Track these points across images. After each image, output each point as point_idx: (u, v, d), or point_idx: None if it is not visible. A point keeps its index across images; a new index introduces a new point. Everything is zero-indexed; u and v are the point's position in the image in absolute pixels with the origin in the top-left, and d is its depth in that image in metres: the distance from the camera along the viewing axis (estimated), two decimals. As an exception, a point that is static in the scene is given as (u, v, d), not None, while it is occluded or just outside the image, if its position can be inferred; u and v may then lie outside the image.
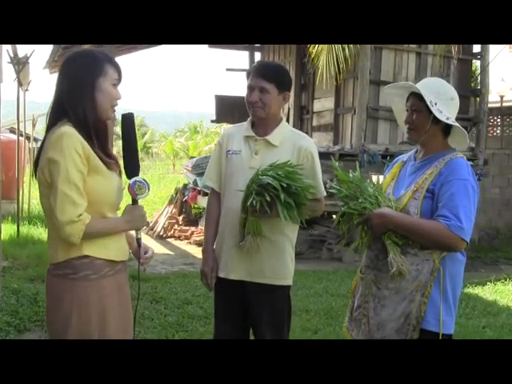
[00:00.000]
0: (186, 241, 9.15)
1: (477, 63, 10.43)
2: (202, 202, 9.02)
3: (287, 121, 9.47)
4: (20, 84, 8.39)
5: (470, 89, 9.88)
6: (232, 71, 12.30)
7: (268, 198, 2.42)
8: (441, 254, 2.25)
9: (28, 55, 8.23)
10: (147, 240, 8.77)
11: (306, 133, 9.45)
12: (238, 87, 9.57)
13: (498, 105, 11.44)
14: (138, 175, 2.10)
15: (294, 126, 8.39)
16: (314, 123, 10.54)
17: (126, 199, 2.15)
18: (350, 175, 2.41)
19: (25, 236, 8.10)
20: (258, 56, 11.83)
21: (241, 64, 23.04)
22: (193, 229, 9.42)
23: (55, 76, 2.12)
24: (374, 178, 2.70)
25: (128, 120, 2.11)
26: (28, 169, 9.73)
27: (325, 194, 2.74)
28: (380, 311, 2.33)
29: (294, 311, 4.51)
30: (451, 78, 9.23)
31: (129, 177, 2.10)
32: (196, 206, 9.89)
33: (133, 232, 2.18)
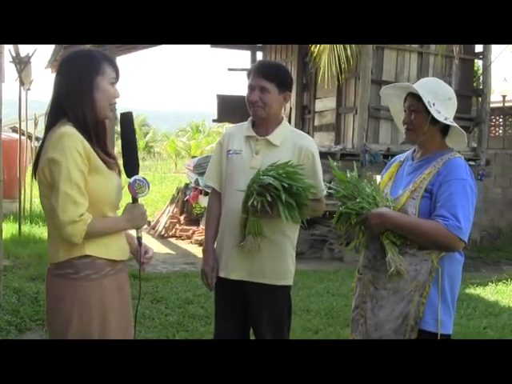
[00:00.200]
0: (188, 240, 9.15)
1: (479, 63, 10.41)
2: (204, 201, 9.01)
3: (289, 120, 9.47)
4: (22, 83, 8.40)
5: (472, 89, 9.85)
6: (234, 71, 12.31)
7: (269, 198, 2.41)
8: (439, 254, 2.24)
9: (30, 55, 8.24)
10: (148, 239, 8.79)
11: (308, 132, 9.45)
12: (240, 87, 9.57)
13: (500, 105, 11.39)
14: (137, 174, 2.10)
15: (295, 126, 8.39)
16: (316, 123, 10.53)
17: (126, 198, 2.15)
18: (348, 175, 2.40)
19: (26, 235, 8.10)
20: (259, 55, 11.82)
21: (243, 63, 23.05)
22: (194, 228, 9.41)
23: (56, 76, 2.12)
24: (378, 177, 2.70)
25: (127, 119, 2.11)
26: (30, 168, 9.74)
27: (325, 193, 2.74)
28: (378, 312, 2.33)
29: (295, 311, 4.52)
30: (453, 78, 9.21)
31: (129, 175, 2.10)
32: (197, 205, 9.88)
33: (133, 231, 2.18)
